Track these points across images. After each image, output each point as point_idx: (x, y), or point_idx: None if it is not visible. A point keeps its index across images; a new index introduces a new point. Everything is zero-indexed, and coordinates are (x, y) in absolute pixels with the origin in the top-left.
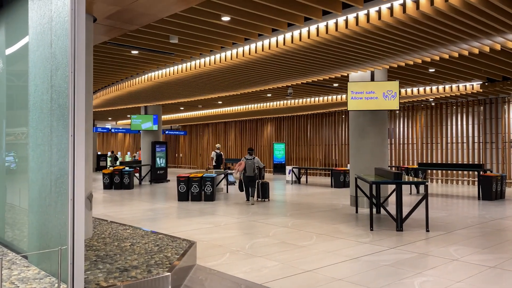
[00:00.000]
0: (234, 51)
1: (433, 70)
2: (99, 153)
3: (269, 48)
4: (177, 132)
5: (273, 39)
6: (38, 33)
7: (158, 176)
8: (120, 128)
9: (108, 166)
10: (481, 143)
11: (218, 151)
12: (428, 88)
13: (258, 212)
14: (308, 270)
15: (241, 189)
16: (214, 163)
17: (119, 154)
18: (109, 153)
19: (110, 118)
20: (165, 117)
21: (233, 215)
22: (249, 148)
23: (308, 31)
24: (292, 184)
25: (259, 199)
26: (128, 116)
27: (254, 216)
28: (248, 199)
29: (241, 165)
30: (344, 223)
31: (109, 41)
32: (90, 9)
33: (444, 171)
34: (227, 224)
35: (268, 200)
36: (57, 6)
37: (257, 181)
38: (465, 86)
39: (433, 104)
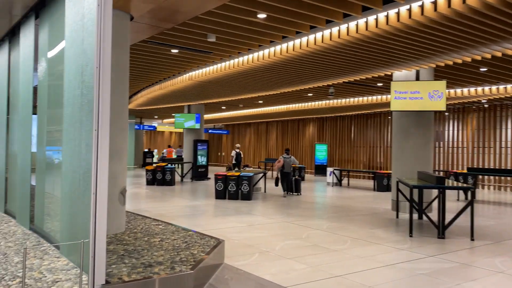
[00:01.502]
0: (272, 49)
1: (485, 69)
2: (146, 150)
3: (307, 46)
4: (220, 131)
5: (311, 37)
6: (72, 31)
7: (199, 174)
8: (151, 125)
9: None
10: None
11: (237, 150)
12: (480, 89)
13: (294, 213)
14: (338, 275)
15: (276, 184)
16: (233, 161)
17: (155, 152)
18: (155, 150)
19: (156, 117)
20: (208, 116)
21: (268, 216)
22: (286, 148)
23: (347, 28)
24: (332, 186)
25: (293, 193)
26: (173, 114)
27: (290, 217)
28: (287, 192)
29: (279, 162)
30: (382, 228)
31: (149, 40)
32: (128, 8)
33: (496, 177)
34: (260, 224)
35: (300, 194)
36: (88, 3)
37: (292, 177)
38: None
39: (486, 105)
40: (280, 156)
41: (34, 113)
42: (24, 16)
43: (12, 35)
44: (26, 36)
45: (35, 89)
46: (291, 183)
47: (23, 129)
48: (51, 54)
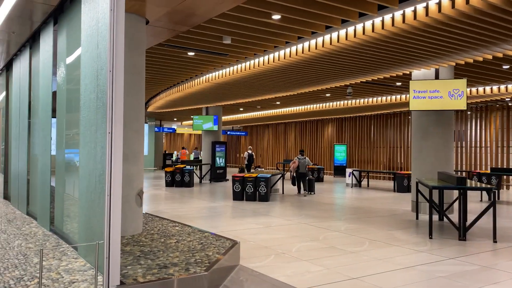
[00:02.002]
0: (288, 50)
1: (508, 66)
2: (165, 151)
3: (323, 46)
4: (238, 133)
5: (327, 37)
6: (88, 36)
7: (217, 175)
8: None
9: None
10: None
11: (250, 151)
12: (503, 87)
13: (312, 215)
14: (354, 278)
15: (293, 184)
16: (246, 162)
17: (174, 154)
18: (175, 152)
19: (175, 119)
20: (226, 117)
21: (285, 217)
22: (301, 149)
23: (363, 27)
24: (352, 187)
25: (308, 192)
26: (192, 116)
27: (307, 218)
28: (299, 192)
29: (295, 163)
30: (401, 230)
31: (165, 43)
32: (143, 11)
33: None
34: (277, 226)
35: (314, 193)
36: (102, 8)
37: (307, 177)
38: None
39: (510, 104)
40: (295, 157)
41: (54, 117)
42: (44, 22)
43: (32, 41)
44: (46, 42)
45: (54, 93)
46: (309, 182)
47: (43, 133)
48: (69, 59)
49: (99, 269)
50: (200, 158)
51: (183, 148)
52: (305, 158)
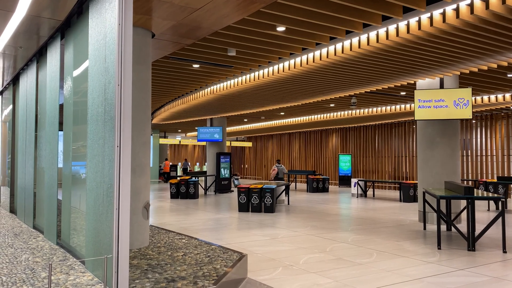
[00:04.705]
0: (292, 61)
1: None
2: (170, 163)
3: (327, 57)
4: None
5: (331, 48)
6: (95, 49)
7: (222, 187)
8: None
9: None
10: None
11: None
12: (508, 95)
13: (318, 226)
14: None
15: None
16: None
17: (179, 165)
18: (179, 164)
19: (179, 130)
20: (230, 128)
21: (292, 228)
22: (277, 159)
23: (368, 38)
24: (357, 197)
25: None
26: (196, 128)
27: (314, 230)
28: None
29: (275, 170)
30: (409, 240)
31: (171, 56)
32: (149, 25)
33: None
34: (284, 237)
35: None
36: (110, 22)
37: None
38: None
39: None
40: (274, 165)
41: (60, 130)
42: (51, 37)
43: (39, 55)
44: (53, 56)
45: (61, 106)
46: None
47: (50, 146)
48: (76, 72)
49: (107, 283)
50: (189, 168)
51: (166, 159)
52: (282, 166)
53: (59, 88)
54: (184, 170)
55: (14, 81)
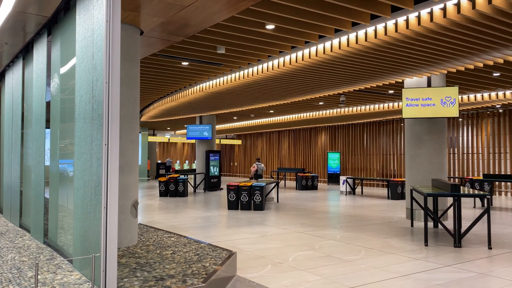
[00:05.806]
0: (281, 59)
1: (498, 74)
2: (159, 161)
3: (316, 55)
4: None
5: (320, 46)
6: (83, 46)
7: (211, 184)
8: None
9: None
10: None
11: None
12: (493, 94)
13: (307, 223)
14: (352, 287)
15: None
16: None
17: (178, 163)
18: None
19: (168, 128)
20: (220, 126)
21: (281, 226)
22: (257, 158)
23: (356, 36)
24: (346, 195)
25: None
26: (185, 125)
27: (303, 227)
28: None
29: (254, 167)
30: (397, 237)
31: (160, 53)
32: (137, 22)
33: None
34: (273, 235)
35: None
36: (98, 19)
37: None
38: None
39: (500, 111)
40: (254, 163)
41: (47, 127)
42: (37, 33)
43: (26, 52)
44: (39, 53)
45: (48, 104)
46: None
47: (37, 143)
48: (63, 69)
49: (95, 282)
50: (172, 166)
51: (148, 158)
52: (261, 164)
53: (46, 86)
54: (167, 168)
55: (0, 78)
